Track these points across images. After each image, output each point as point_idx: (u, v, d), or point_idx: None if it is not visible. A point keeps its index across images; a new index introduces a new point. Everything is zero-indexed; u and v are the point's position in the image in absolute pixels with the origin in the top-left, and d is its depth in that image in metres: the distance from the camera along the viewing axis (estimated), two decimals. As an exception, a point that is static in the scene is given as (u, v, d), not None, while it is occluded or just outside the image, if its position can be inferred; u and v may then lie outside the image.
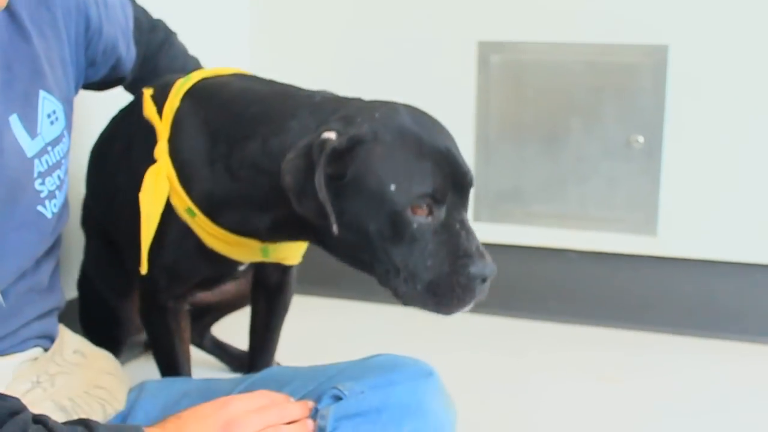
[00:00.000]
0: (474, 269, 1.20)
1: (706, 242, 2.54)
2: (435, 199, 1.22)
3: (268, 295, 1.74)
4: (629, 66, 2.53)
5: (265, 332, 1.80)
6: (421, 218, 1.22)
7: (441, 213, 1.23)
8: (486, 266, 1.21)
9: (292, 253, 1.53)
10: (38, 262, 1.34)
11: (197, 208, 1.39)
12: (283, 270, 1.69)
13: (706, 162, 2.51)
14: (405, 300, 1.25)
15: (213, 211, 1.39)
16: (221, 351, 2.25)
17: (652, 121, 2.53)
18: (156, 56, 1.70)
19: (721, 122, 2.48)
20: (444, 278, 1.21)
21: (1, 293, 1.21)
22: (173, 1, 2.08)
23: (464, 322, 2.47)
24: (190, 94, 1.43)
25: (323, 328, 2.59)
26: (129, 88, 1.70)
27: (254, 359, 1.82)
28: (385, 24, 2.64)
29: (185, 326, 1.64)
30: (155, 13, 1.77)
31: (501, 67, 2.65)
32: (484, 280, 1.22)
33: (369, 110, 1.28)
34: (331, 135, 1.22)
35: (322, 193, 1.19)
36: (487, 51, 2.64)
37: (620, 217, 2.60)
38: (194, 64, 1.77)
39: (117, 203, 1.55)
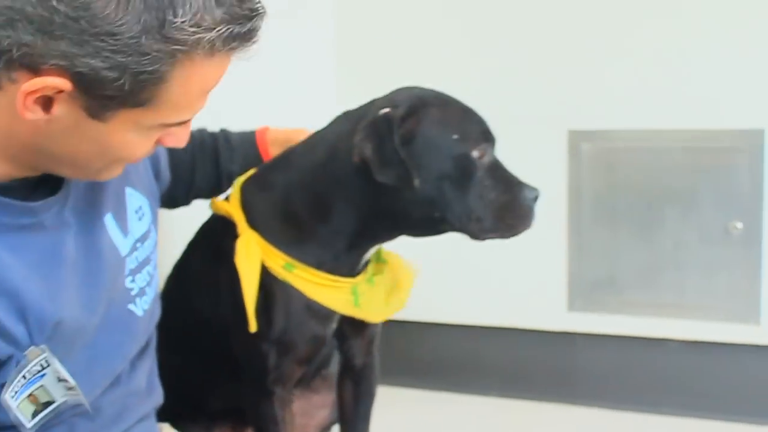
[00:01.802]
0: (528, 192, 1.47)
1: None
2: (486, 141, 1.47)
3: (355, 380, 1.77)
4: (725, 150, 2.52)
5: (355, 420, 1.79)
6: (480, 159, 1.45)
7: (491, 154, 1.48)
8: (533, 189, 1.48)
9: (376, 306, 1.61)
10: (133, 365, 1.33)
11: (291, 258, 1.51)
12: (367, 351, 1.73)
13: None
14: (480, 235, 1.47)
15: (303, 254, 1.52)
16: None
17: (751, 207, 2.50)
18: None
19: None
20: (509, 204, 1.46)
21: (94, 401, 1.20)
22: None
23: (559, 413, 2.58)
24: (246, 183, 1.58)
25: (414, 420, 2.57)
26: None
27: None
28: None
29: (291, 419, 1.65)
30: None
31: (592, 155, 2.65)
32: (536, 198, 1.47)
33: (399, 92, 1.51)
34: (386, 110, 1.43)
35: (402, 151, 1.40)
36: (577, 139, 2.64)
37: (721, 305, 2.55)
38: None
39: (217, 299, 1.59)
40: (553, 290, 2.70)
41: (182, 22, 0.97)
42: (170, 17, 0.96)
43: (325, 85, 2.84)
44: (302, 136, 1.61)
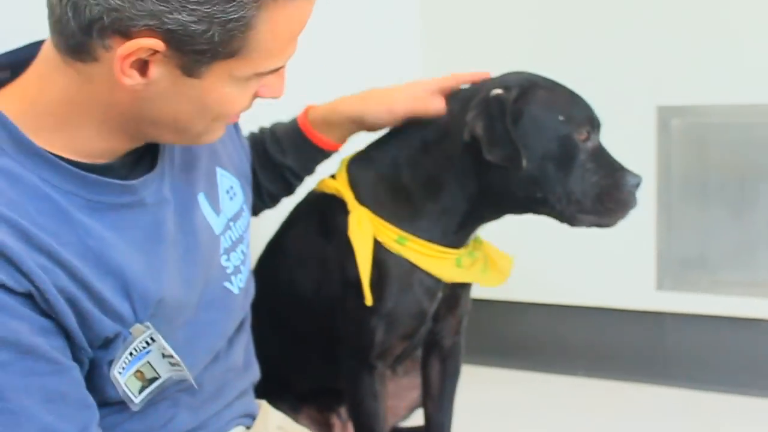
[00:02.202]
0: (631, 178, 1.49)
1: None
2: (591, 125, 1.51)
3: (441, 359, 1.80)
4: None
5: (441, 400, 1.82)
6: (583, 142, 1.49)
7: (595, 138, 1.52)
8: (636, 175, 1.50)
9: (475, 273, 1.66)
10: (230, 341, 1.34)
11: (403, 232, 1.56)
12: (456, 331, 1.78)
13: None
14: (578, 218, 1.50)
15: (415, 229, 1.57)
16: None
17: None
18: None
19: None
20: (610, 188, 1.48)
21: (195, 378, 1.22)
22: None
23: (646, 394, 2.60)
24: (353, 160, 1.65)
25: (499, 400, 2.59)
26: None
27: (434, 431, 1.83)
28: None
29: (386, 394, 1.70)
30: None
31: (682, 132, 2.61)
32: (637, 185, 1.50)
33: (510, 75, 1.56)
34: (498, 91, 1.48)
35: (513, 131, 1.45)
36: (667, 115, 2.61)
37: None
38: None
39: (322, 276, 1.64)
40: (642, 269, 2.67)
41: None
42: None
43: (411, 57, 2.83)
44: (344, 104, 1.62)
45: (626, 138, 2.42)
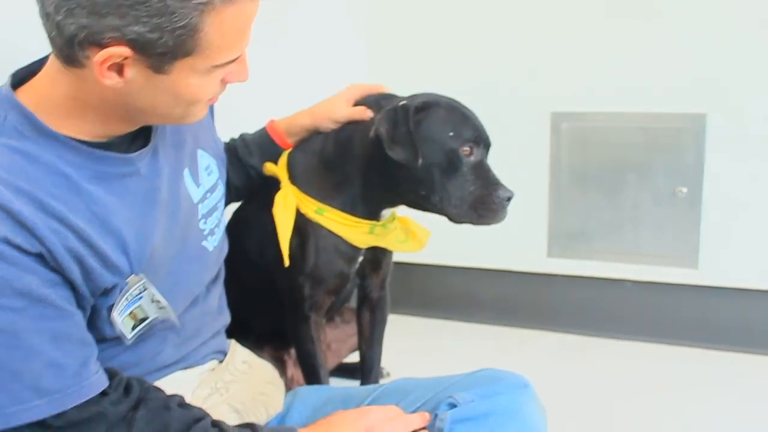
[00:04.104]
0: (502, 192, 1.41)
1: (741, 273, 2.43)
2: (475, 143, 1.43)
3: (371, 309, 1.76)
4: (674, 130, 2.45)
5: (371, 342, 1.80)
6: (466, 157, 1.42)
7: (477, 155, 1.44)
8: (508, 190, 1.42)
9: (390, 241, 1.60)
10: (207, 289, 1.31)
11: (322, 204, 1.51)
12: (380, 286, 1.73)
13: (739, 208, 2.42)
14: (456, 218, 1.44)
15: (332, 201, 1.52)
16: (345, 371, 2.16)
17: (694, 175, 2.45)
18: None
19: (754, 175, 2.40)
20: (483, 198, 1.41)
21: (178, 318, 1.19)
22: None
23: (541, 338, 2.54)
24: (293, 149, 1.59)
25: (423, 344, 2.55)
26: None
27: (366, 367, 1.81)
28: (466, 96, 2.60)
29: (323, 338, 1.66)
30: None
31: (570, 133, 2.59)
32: (508, 199, 1.42)
33: (421, 94, 1.49)
34: (404, 102, 1.43)
35: (413, 134, 1.39)
36: (558, 120, 2.59)
37: (667, 253, 2.51)
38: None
39: (265, 243, 1.59)
40: (536, 239, 2.67)
41: None
42: None
43: (358, 65, 2.75)
44: (301, 117, 1.59)
45: (525, 137, 2.60)
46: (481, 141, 1.46)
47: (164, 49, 0.96)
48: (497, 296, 2.74)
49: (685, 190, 2.46)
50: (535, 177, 2.60)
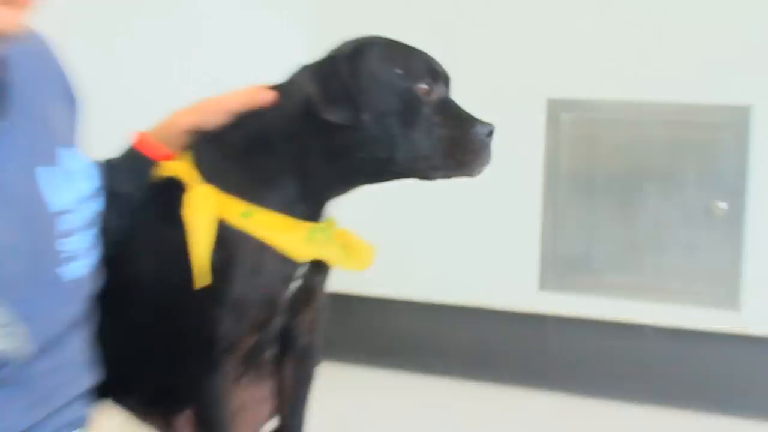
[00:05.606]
0: (480, 127, 1.35)
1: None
2: (432, 78, 1.37)
3: (296, 360, 1.56)
4: (710, 126, 2.33)
5: (293, 405, 1.56)
6: (425, 95, 1.36)
7: (438, 92, 1.37)
8: (487, 124, 1.36)
9: (332, 253, 1.45)
10: (68, 332, 1.15)
11: (249, 203, 1.41)
12: (311, 328, 1.53)
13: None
14: (431, 175, 1.37)
15: (262, 200, 1.39)
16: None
17: (735, 186, 2.28)
18: None
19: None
20: (458, 140, 1.35)
21: (27, 369, 1.07)
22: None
23: (525, 399, 2.44)
24: (196, 142, 1.46)
25: (363, 403, 2.38)
26: None
27: None
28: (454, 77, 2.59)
29: (233, 397, 1.46)
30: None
31: (572, 126, 2.45)
32: (490, 133, 1.36)
33: (348, 41, 1.43)
34: (331, 53, 1.40)
35: (351, 85, 1.33)
36: (557, 109, 2.45)
37: (700, 290, 2.35)
38: None
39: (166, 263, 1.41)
40: (524, 268, 2.52)
41: None
42: None
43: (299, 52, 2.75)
44: (179, 119, 1.44)
45: (515, 130, 2.36)
46: (439, 75, 1.37)
47: None
48: (471, 342, 2.61)
49: (723, 205, 2.30)
50: (525, 184, 2.50)
